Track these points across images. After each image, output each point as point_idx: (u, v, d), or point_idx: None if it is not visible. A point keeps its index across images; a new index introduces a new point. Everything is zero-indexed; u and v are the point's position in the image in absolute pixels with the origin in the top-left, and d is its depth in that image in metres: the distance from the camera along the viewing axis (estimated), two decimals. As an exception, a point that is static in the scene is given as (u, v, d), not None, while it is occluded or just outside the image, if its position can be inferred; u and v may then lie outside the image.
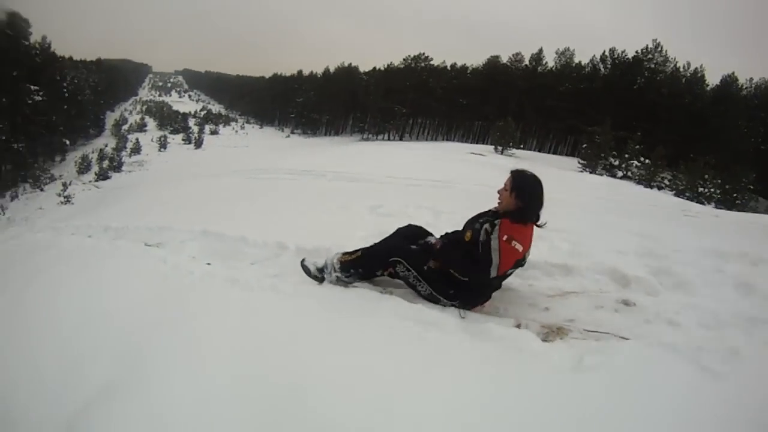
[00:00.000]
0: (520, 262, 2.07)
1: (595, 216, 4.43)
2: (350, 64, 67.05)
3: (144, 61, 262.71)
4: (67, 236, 4.39)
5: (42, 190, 22.72)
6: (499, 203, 2.14)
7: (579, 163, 24.82)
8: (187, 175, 12.96)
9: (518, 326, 1.94)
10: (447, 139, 50.28)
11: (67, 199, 15.70)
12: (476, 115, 51.39)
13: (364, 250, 2.30)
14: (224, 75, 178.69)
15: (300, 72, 78.94)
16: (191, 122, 57.81)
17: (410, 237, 2.37)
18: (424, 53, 58.34)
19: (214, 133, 51.19)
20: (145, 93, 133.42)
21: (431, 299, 2.14)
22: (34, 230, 5.64)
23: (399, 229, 2.46)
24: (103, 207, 7.62)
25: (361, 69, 65.38)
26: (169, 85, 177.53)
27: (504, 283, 2.20)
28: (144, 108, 79.49)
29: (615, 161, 24.34)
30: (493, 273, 1.98)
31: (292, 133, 63.86)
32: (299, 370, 1.64)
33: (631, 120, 33.40)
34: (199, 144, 39.10)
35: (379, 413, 1.44)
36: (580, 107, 41.09)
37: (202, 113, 72.18)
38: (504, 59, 53.64)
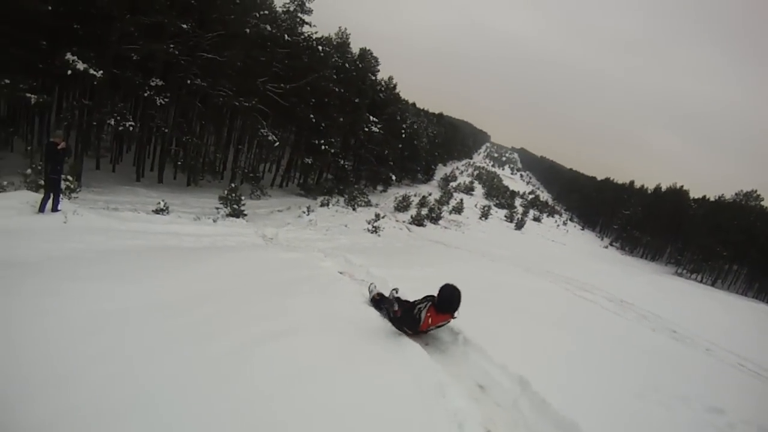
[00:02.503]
0: (431, 327, 3.61)
1: None
2: (681, 186, 62.61)
3: (483, 128, 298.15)
4: (350, 282, 4.42)
5: (354, 209, 22.71)
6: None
7: None
8: (499, 256, 12.93)
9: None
10: (758, 297, 41.13)
11: (375, 230, 15.63)
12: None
13: (378, 298, 4.32)
14: (558, 165, 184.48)
15: (631, 183, 76.92)
16: (517, 202, 61.34)
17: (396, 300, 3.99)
18: (755, 191, 50.64)
19: (536, 219, 53.08)
20: (479, 159, 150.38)
21: (392, 323, 3.80)
22: (325, 250, 5.99)
23: (392, 297, 3.99)
24: (403, 260, 7.81)
25: (691, 194, 60.59)
26: (503, 159, 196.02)
27: None
28: (476, 173, 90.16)
29: None
30: (418, 327, 3.55)
31: (611, 244, 61.67)
32: None
33: None
34: (520, 226, 39.92)
35: None
36: None
37: (530, 197, 75.43)
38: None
